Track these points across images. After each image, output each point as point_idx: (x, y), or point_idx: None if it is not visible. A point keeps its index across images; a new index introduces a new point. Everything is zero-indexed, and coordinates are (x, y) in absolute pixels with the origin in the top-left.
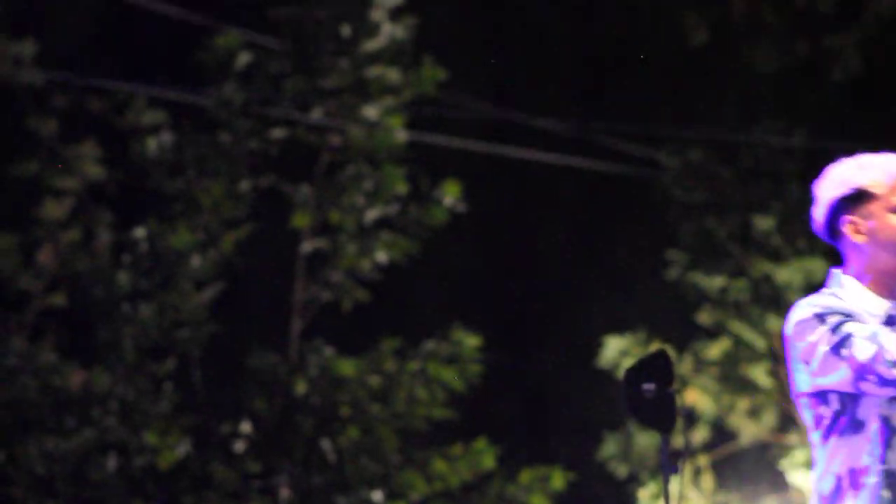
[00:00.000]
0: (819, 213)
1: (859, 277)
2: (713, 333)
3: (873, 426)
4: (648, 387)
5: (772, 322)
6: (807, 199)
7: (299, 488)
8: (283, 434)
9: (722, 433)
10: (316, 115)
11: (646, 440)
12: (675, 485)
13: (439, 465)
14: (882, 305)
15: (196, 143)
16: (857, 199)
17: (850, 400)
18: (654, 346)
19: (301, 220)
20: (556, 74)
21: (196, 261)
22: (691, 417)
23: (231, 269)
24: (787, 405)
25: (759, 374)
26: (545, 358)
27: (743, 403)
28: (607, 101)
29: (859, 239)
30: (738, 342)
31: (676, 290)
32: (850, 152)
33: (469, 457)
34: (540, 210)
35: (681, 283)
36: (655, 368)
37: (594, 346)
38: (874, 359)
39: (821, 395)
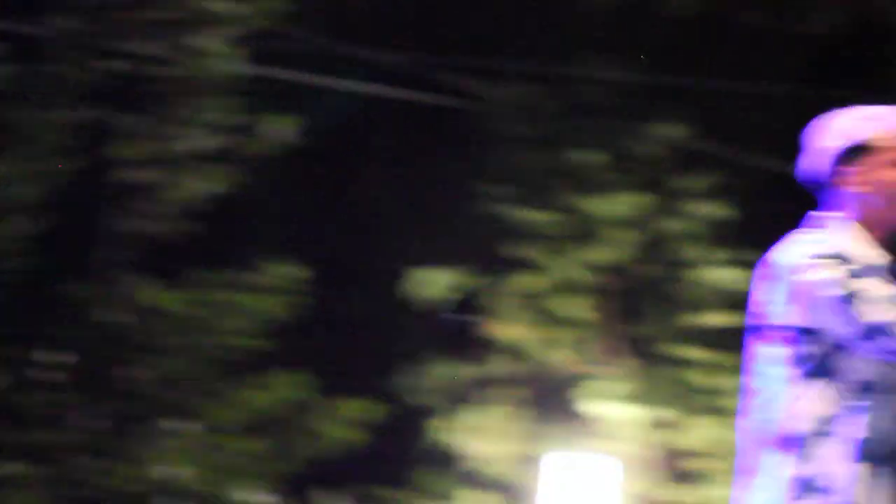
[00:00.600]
0: (817, 162)
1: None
2: (528, 266)
3: (855, 375)
4: (455, 317)
5: (588, 255)
6: (627, 135)
7: (116, 417)
8: (97, 365)
9: (540, 366)
10: (150, 46)
11: (451, 371)
12: (477, 415)
13: (255, 395)
14: (880, 256)
15: (29, 74)
16: (857, 151)
17: (836, 345)
18: (468, 279)
19: (127, 151)
20: (386, 7)
21: (22, 191)
22: (497, 349)
23: (57, 199)
24: (603, 338)
25: (578, 307)
26: (360, 290)
27: (561, 336)
28: (437, 34)
29: (864, 189)
30: (554, 275)
31: (494, 222)
32: (675, 88)
33: (283, 387)
34: (365, 143)
35: (499, 216)
36: (463, 300)
37: (408, 278)
38: (880, 328)
39: (811, 334)
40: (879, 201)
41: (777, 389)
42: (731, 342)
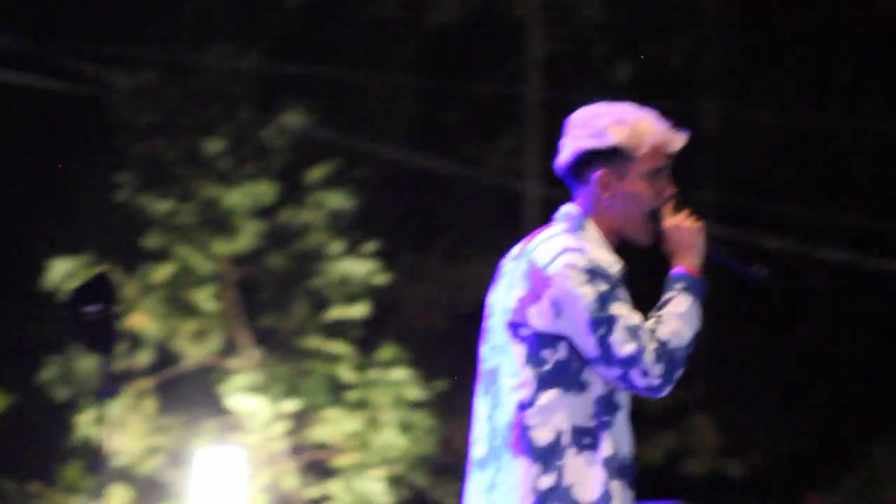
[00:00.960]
0: (567, 154)
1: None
2: (159, 256)
3: (597, 390)
4: (92, 308)
5: (218, 246)
6: (256, 123)
7: None
8: None
9: (166, 357)
10: None
11: (87, 363)
12: (115, 409)
13: None
14: (616, 263)
15: None
16: (610, 154)
17: (578, 355)
18: (100, 269)
19: None
20: None
21: None
22: (135, 341)
23: None
24: (230, 329)
25: (205, 297)
26: None
27: (187, 327)
28: (57, 18)
29: (606, 195)
30: (184, 266)
31: (124, 212)
32: (298, 77)
33: None
34: None
35: (129, 205)
36: (99, 290)
37: (39, 268)
38: (630, 360)
39: (551, 338)
40: (619, 212)
41: (514, 381)
42: (361, 334)
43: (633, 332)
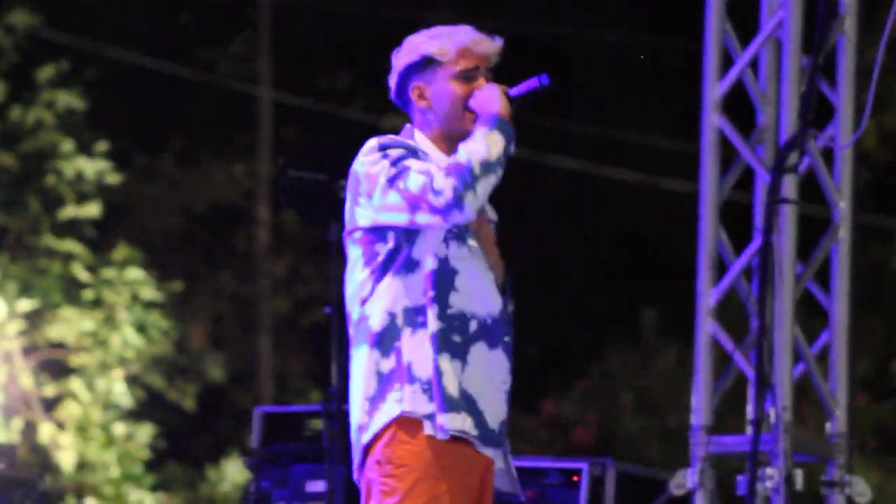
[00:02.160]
0: (391, 80)
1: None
2: None
3: (428, 266)
4: None
5: None
6: None
7: None
8: None
9: None
10: None
11: None
12: None
13: None
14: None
15: None
16: (423, 65)
17: (405, 238)
18: None
19: None
20: None
21: None
22: None
23: None
24: None
25: None
26: None
27: None
28: None
29: (422, 104)
30: None
31: None
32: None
33: None
34: None
35: None
36: None
37: None
38: (424, 188)
39: (378, 231)
40: (438, 115)
41: (355, 287)
42: (95, 234)
43: (424, 169)
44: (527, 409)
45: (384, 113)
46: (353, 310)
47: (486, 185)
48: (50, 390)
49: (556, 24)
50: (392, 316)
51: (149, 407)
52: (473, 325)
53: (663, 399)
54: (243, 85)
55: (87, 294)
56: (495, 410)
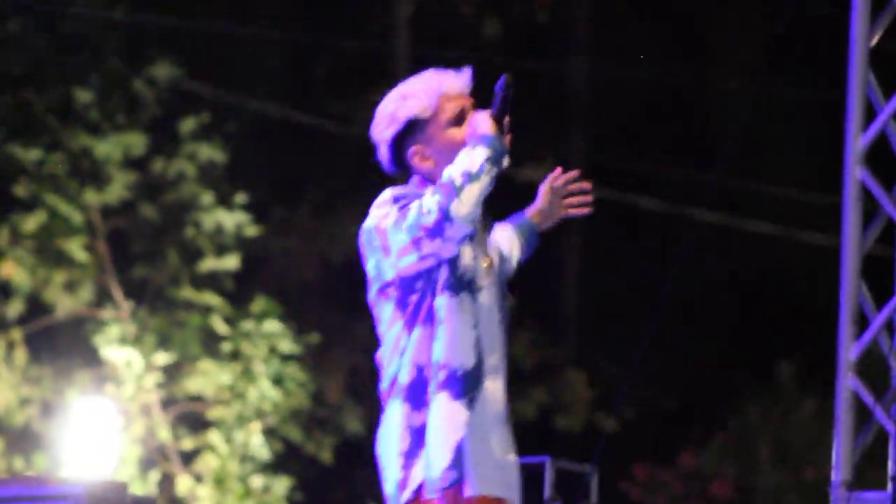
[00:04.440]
0: (383, 154)
1: None
2: (29, 206)
3: (443, 316)
4: None
5: (89, 196)
6: (125, 74)
7: None
8: None
9: (37, 307)
10: None
11: None
12: None
13: None
14: None
15: None
16: (411, 129)
17: (429, 288)
18: None
19: None
20: None
21: None
22: (5, 291)
23: None
24: (103, 280)
25: (76, 248)
26: None
27: (59, 277)
28: None
29: (427, 164)
30: (55, 215)
31: None
32: (170, 28)
33: None
34: None
35: None
36: None
37: None
38: (417, 215)
39: (406, 283)
40: (445, 168)
41: (390, 343)
42: (233, 286)
43: (418, 203)
44: (664, 461)
45: (522, 163)
46: (390, 365)
47: (470, 193)
48: (188, 443)
49: (695, 75)
50: (420, 369)
51: (286, 459)
52: (442, 376)
53: (802, 452)
54: None
55: (226, 347)
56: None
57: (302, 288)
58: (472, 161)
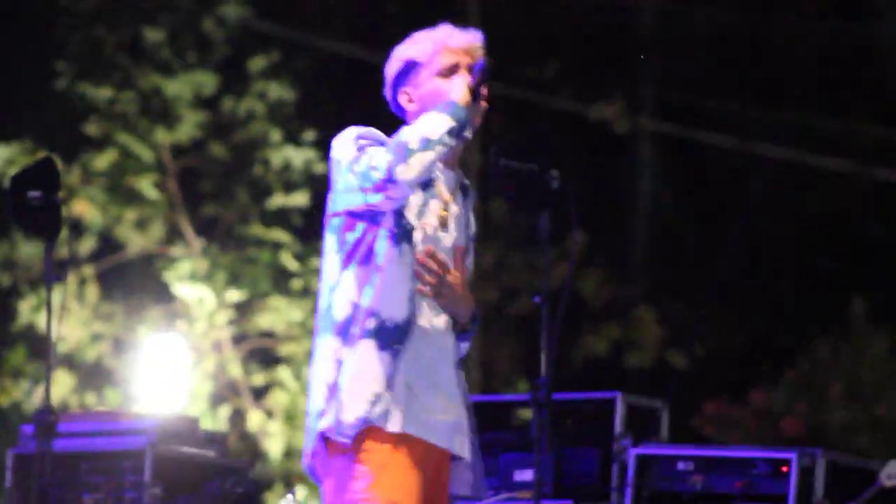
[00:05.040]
0: (386, 92)
1: None
2: (101, 144)
3: (381, 263)
4: (34, 194)
5: (160, 135)
6: (198, 12)
7: None
8: None
9: (109, 244)
10: None
11: (30, 250)
12: (57, 295)
13: None
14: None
15: None
16: (408, 71)
17: (371, 229)
18: (41, 155)
19: None
20: None
21: None
22: (77, 228)
23: None
24: (173, 217)
25: (147, 186)
26: None
27: (130, 215)
28: None
29: (412, 107)
30: (126, 153)
31: (64, 100)
32: None
33: None
34: None
35: (68, 93)
36: (41, 176)
37: None
38: (367, 166)
39: (349, 218)
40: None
41: (327, 274)
42: (305, 223)
43: (374, 150)
44: (736, 398)
45: (593, 101)
46: (322, 297)
47: (422, 159)
48: (258, 379)
49: (764, 14)
50: (354, 307)
51: None
52: (371, 324)
53: (874, 389)
54: None
55: (296, 283)
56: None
57: None
58: (433, 127)
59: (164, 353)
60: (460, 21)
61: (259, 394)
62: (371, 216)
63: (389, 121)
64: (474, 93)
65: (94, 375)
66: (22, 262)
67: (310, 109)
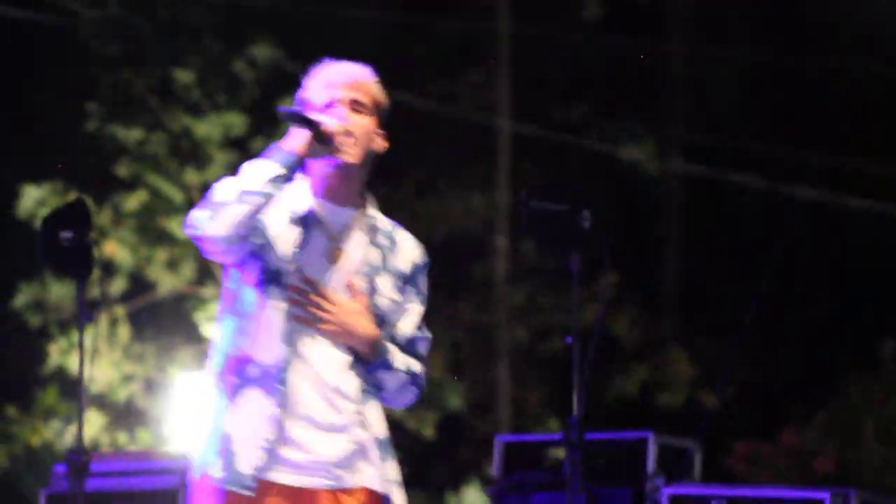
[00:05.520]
0: None
1: (309, 178)
2: (131, 185)
3: (249, 311)
4: (66, 235)
5: (190, 175)
6: (225, 55)
7: None
8: None
9: (140, 284)
10: None
11: (60, 291)
12: (89, 336)
13: None
14: (302, 201)
15: None
16: (301, 109)
17: (241, 277)
18: (72, 197)
19: None
20: None
21: None
22: (108, 268)
23: None
24: (203, 258)
25: (176, 226)
26: None
27: (161, 255)
28: None
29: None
30: (156, 195)
31: (94, 141)
32: (268, 8)
33: None
34: None
35: (99, 134)
36: (73, 217)
37: (11, 196)
38: (192, 223)
39: (227, 270)
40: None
41: (218, 325)
42: None
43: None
44: (768, 437)
45: (621, 143)
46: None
47: (234, 214)
48: None
49: (796, 54)
50: (225, 359)
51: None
52: (254, 371)
53: None
54: (482, 115)
55: None
56: (249, 456)
57: None
58: (252, 178)
59: (194, 392)
60: (489, 63)
61: None
62: (238, 265)
63: (423, 157)
64: (310, 125)
65: (125, 415)
66: (52, 304)
67: None
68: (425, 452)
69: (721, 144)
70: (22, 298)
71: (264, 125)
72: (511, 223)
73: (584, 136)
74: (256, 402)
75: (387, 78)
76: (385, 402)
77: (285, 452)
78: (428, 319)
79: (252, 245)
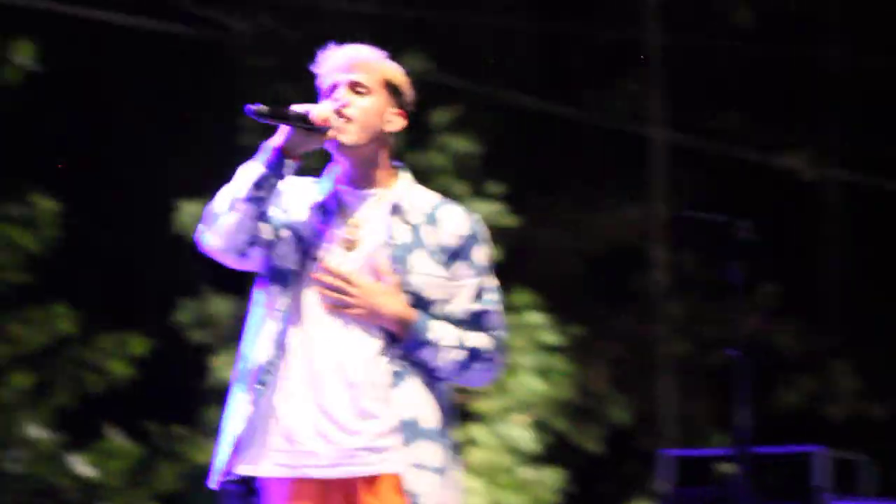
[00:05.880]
0: None
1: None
2: None
3: (254, 309)
4: None
5: None
6: None
7: None
8: None
9: None
10: None
11: (222, 306)
12: None
13: (15, 329)
14: (325, 190)
15: None
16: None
17: (258, 278)
18: None
19: None
20: None
21: None
22: None
23: None
24: None
25: None
26: (123, 222)
27: None
28: None
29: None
30: None
31: (249, 155)
32: (416, 20)
33: (46, 321)
34: (116, 73)
35: (253, 147)
36: None
37: (169, 211)
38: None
39: (259, 277)
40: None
41: (248, 329)
42: (497, 278)
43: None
44: None
45: (777, 151)
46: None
47: (226, 224)
48: (456, 435)
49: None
50: (239, 358)
51: (555, 451)
52: (240, 366)
53: None
54: (635, 125)
55: None
56: (223, 453)
57: (562, 279)
58: (239, 184)
59: None
60: (642, 72)
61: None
62: (260, 268)
63: (579, 169)
64: (308, 121)
65: None
66: (214, 319)
67: (497, 163)
68: (591, 468)
69: (881, 150)
70: (184, 314)
71: (416, 138)
72: (670, 234)
73: (739, 144)
74: (238, 401)
75: (542, 88)
76: (457, 382)
77: (308, 446)
78: (588, 334)
79: (262, 248)
